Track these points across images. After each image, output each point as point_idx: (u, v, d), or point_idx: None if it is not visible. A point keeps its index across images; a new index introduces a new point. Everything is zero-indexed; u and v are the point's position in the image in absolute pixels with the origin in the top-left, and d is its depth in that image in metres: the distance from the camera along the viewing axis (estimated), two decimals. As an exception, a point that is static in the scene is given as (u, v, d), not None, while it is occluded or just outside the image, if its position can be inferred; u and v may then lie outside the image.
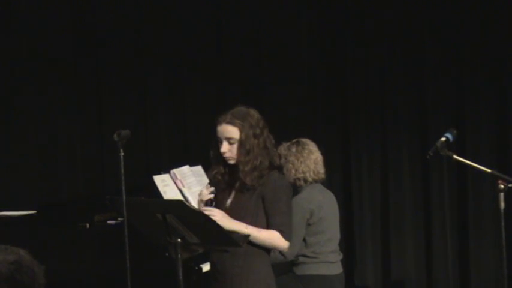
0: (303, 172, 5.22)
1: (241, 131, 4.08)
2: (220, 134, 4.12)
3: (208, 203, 4.15)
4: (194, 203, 5.13)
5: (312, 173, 5.24)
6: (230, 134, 4.09)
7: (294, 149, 5.26)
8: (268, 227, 4.10)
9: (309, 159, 5.24)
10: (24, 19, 7.20)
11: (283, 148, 5.28)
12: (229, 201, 4.17)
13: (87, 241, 5.29)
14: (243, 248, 4.03)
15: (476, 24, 6.55)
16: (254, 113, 4.16)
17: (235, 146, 4.09)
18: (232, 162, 4.12)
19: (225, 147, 4.10)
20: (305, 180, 5.23)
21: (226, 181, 4.20)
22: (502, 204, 4.10)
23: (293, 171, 5.21)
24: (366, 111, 6.85)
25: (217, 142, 4.13)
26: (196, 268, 5.04)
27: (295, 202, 5.11)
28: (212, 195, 4.15)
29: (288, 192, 4.16)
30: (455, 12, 6.59)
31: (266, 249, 4.17)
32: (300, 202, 5.16)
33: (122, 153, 4.27)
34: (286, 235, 4.10)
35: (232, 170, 4.15)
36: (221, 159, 4.14)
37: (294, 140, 5.33)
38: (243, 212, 4.10)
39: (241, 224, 4.04)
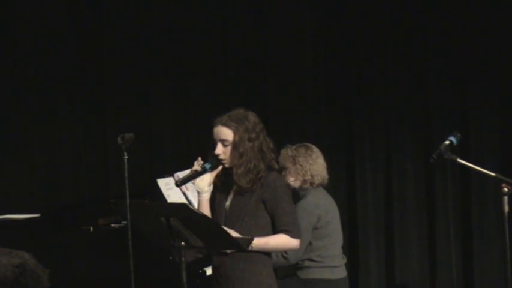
0: (311, 175, 5.22)
1: (235, 134, 4.09)
2: (215, 135, 4.15)
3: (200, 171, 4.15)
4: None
5: (319, 177, 5.25)
6: (224, 136, 4.11)
7: (303, 151, 5.27)
8: (274, 228, 4.11)
9: (317, 163, 5.25)
10: (27, 25, 7.20)
11: (290, 150, 5.28)
12: (227, 203, 4.19)
13: (91, 244, 5.29)
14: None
15: (480, 28, 6.54)
16: (252, 117, 4.17)
17: (228, 148, 4.11)
18: (226, 165, 4.13)
19: (219, 149, 4.12)
20: (311, 183, 5.23)
21: (223, 183, 4.21)
22: (506, 208, 4.10)
23: (301, 172, 5.21)
24: (370, 115, 6.84)
25: (214, 144, 4.16)
26: (200, 271, 5.04)
27: (302, 207, 5.12)
28: (199, 168, 4.14)
29: (287, 191, 4.18)
30: (459, 16, 6.58)
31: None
32: (307, 207, 5.16)
33: (126, 157, 4.28)
34: (293, 234, 4.12)
35: (229, 172, 4.17)
36: (218, 160, 4.16)
37: (300, 144, 5.34)
38: (243, 213, 4.11)
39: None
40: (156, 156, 7.17)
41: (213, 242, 4.00)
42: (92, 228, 5.32)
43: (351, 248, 6.68)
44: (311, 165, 5.22)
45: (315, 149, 5.32)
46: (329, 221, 5.23)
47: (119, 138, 4.28)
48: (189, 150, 7.07)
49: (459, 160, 4.27)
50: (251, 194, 4.10)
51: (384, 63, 6.79)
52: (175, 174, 5.36)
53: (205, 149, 4.30)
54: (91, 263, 5.23)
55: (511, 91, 6.55)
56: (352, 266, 6.65)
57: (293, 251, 4.73)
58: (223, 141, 4.11)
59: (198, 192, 4.22)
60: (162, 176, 5.46)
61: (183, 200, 5.27)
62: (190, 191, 5.36)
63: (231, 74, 7.10)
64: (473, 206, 6.60)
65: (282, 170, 4.92)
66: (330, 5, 6.89)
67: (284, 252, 5.00)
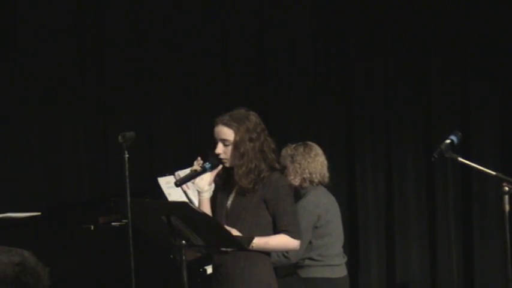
0: (310, 173, 5.22)
1: (236, 134, 4.09)
2: (216, 134, 4.15)
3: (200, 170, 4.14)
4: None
5: (318, 175, 5.24)
6: (225, 136, 4.11)
7: (301, 149, 5.26)
8: (275, 228, 4.11)
9: (315, 161, 5.24)
10: (27, 25, 7.20)
11: (289, 148, 5.28)
12: (229, 202, 4.19)
13: (92, 243, 5.29)
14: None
15: (480, 28, 6.54)
16: (253, 117, 4.17)
17: (229, 148, 4.11)
18: (227, 164, 4.13)
19: (219, 149, 4.12)
20: (311, 181, 5.23)
21: (225, 182, 4.21)
22: (507, 207, 4.10)
23: (299, 170, 5.21)
24: (371, 115, 6.84)
25: (215, 143, 4.16)
26: (201, 270, 5.04)
27: (302, 206, 5.12)
28: (199, 168, 4.13)
29: (290, 191, 4.17)
30: (460, 16, 6.58)
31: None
32: (307, 206, 5.16)
33: (127, 155, 4.28)
34: (294, 234, 4.12)
35: (231, 172, 4.16)
36: (218, 160, 4.16)
37: (301, 142, 5.34)
38: (244, 212, 4.11)
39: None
40: (156, 155, 7.17)
41: (213, 240, 4.00)
42: (92, 227, 5.32)
43: (351, 247, 6.68)
44: (309, 163, 5.22)
45: (315, 147, 5.31)
46: (329, 220, 5.23)
47: (119, 137, 4.28)
48: (189, 149, 7.07)
49: (460, 159, 4.27)
50: (253, 193, 4.10)
51: (384, 63, 6.79)
52: (176, 173, 5.35)
53: (206, 148, 4.30)
54: (92, 262, 5.23)
55: (511, 91, 6.55)
56: (353, 265, 6.65)
57: (294, 250, 4.73)
58: (224, 140, 4.11)
59: (198, 192, 4.22)
60: (163, 175, 5.46)
61: (184, 199, 5.26)
62: (191, 189, 5.34)
63: (231, 74, 7.10)
64: (473, 206, 6.60)
65: (283, 169, 4.92)
66: (330, 6, 6.90)
67: (285, 252, 5.00)
